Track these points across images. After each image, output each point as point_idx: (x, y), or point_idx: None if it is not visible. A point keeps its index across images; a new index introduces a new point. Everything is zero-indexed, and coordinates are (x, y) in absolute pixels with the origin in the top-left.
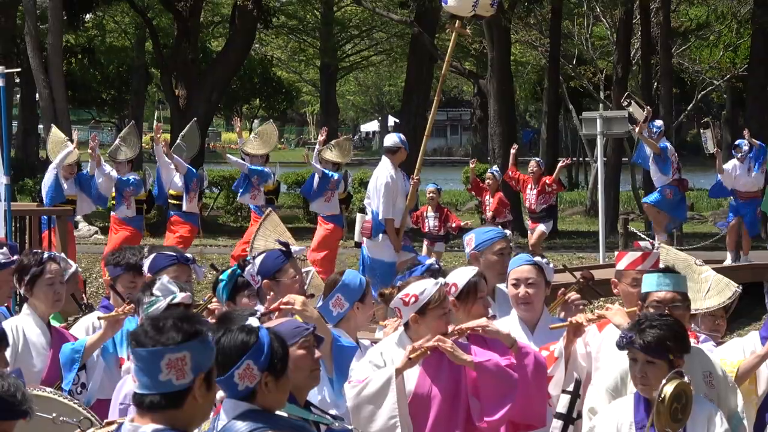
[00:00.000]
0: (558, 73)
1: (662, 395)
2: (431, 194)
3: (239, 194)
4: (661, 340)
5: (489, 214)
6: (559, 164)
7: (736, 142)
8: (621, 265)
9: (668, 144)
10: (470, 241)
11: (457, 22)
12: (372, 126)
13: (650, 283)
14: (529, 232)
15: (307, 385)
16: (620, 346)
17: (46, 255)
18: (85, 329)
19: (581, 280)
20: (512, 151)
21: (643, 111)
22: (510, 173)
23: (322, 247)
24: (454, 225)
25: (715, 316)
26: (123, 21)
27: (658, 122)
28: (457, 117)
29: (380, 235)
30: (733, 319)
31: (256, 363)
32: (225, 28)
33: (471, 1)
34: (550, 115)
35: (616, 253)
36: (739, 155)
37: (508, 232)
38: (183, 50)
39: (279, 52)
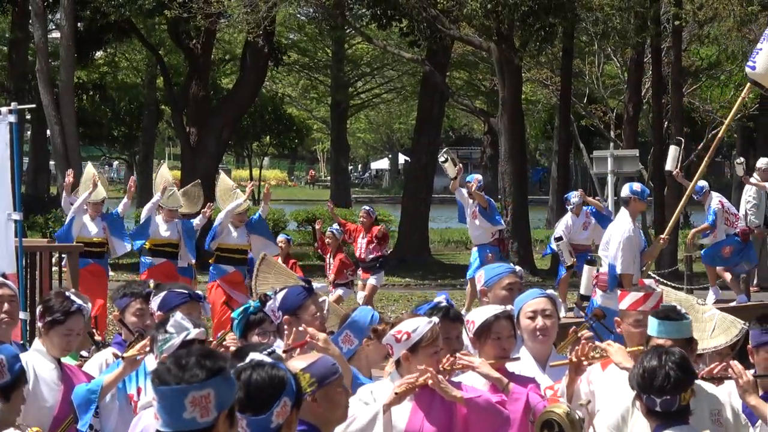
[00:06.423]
0: (569, 112)
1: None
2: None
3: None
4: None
5: (331, 276)
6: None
7: (565, 195)
8: (623, 305)
9: (490, 198)
10: (480, 277)
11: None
12: (382, 164)
13: (651, 327)
14: (360, 282)
15: (339, 420)
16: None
17: (75, 307)
18: (99, 366)
19: (592, 317)
20: (329, 206)
21: (456, 168)
22: (341, 227)
23: None
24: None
25: (722, 355)
26: (134, 58)
27: (478, 176)
28: (467, 155)
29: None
30: (744, 358)
31: (290, 399)
32: (236, 66)
33: None
34: (561, 153)
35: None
36: (570, 207)
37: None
38: (194, 87)
39: (290, 90)
